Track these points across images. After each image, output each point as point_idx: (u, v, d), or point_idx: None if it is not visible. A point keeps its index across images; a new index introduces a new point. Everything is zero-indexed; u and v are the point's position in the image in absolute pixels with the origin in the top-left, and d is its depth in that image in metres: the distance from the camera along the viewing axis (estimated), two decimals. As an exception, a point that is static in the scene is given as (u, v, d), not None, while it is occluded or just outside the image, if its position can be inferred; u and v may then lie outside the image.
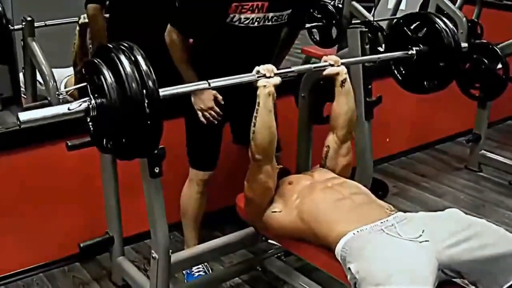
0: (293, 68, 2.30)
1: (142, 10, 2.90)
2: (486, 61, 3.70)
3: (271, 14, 2.41)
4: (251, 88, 2.58)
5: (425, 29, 2.59)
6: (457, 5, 4.86)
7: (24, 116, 1.70)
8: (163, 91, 1.88)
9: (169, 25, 2.43)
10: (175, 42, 2.43)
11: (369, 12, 4.65)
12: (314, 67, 2.40)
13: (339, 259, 2.02)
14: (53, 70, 3.08)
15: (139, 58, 1.77)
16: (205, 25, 2.39)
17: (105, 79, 1.73)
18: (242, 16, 2.35)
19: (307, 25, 4.47)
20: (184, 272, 2.86)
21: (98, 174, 2.65)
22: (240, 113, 2.61)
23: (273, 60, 2.72)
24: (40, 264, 2.92)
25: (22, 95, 3.38)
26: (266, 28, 2.44)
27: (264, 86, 2.15)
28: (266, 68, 2.17)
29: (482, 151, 4.20)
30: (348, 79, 2.39)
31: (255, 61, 2.55)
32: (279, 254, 2.84)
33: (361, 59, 2.56)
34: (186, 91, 2.06)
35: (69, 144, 2.36)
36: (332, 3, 4.49)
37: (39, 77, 3.20)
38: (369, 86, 2.79)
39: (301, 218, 2.19)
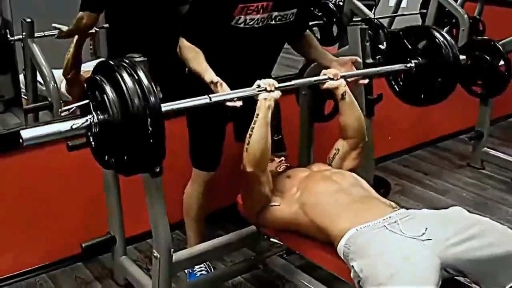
0: (293, 82, 2.34)
1: (143, 19, 2.88)
2: (488, 58, 3.70)
3: (275, 13, 2.39)
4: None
5: (425, 42, 2.59)
6: (458, 2, 4.85)
7: (26, 134, 1.70)
8: (165, 106, 1.88)
9: (180, 38, 2.41)
10: (184, 47, 2.40)
11: (370, 10, 4.65)
12: (314, 80, 2.41)
13: (341, 255, 2.02)
14: (54, 71, 3.08)
15: (141, 74, 1.76)
16: (210, 29, 2.37)
17: (107, 95, 1.73)
18: (248, 17, 2.33)
19: (308, 23, 4.46)
20: (186, 271, 2.86)
21: (100, 174, 2.65)
22: (243, 112, 2.61)
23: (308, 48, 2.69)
24: (42, 265, 2.93)
25: (23, 96, 3.38)
26: (269, 28, 2.42)
27: (265, 99, 2.16)
28: (267, 83, 2.18)
29: (485, 148, 4.20)
30: (348, 91, 2.39)
31: (260, 63, 2.55)
32: (281, 253, 2.85)
33: (361, 72, 2.56)
34: (188, 106, 2.04)
35: (70, 144, 2.36)
36: (333, 1, 4.48)
37: (39, 78, 3.20)
38: (370, 84, 2.79)
39: (304, 212, 2.19)
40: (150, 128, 1.73)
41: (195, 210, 2.76)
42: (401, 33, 2.65)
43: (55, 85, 3.11)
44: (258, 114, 2.17)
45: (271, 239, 2.77)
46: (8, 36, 3.10)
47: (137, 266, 2.77)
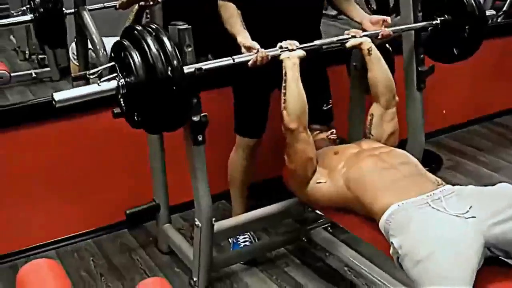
0: (315, 42, 2.37)
1: None
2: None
3: None
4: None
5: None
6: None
7: (58, 96, 1.81)
8: (188, 68, 1.95)
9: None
10: (220, 6, 2.40)
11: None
12: (337, 40, 2.44)
13: (383, 231, 1.98)
14: (104, 38, 3.11)
15: (165, 39, 1.85)
16: None
17: (133, 59, 1.82)
18: None
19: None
20: (230, 240, 2.87)
21: (145, 141, 2.67)
22: None
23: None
24: (88, 230, 2.99)
25: (75, 63, 3.43)
26: None
27: (288, 58, 2.23)
28: (289, 43, 2.27)
29: (543, 124, 4.05)
30: (374, 47, 2.43)
31: (299, 26, 2.50)
32: (325, 225, 2.82)
33: (384, 29, 2.51)
34: (210, 67, 2.08)
35: (115, 111, 2.38)
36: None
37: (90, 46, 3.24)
38: (421, 55, 2.71)
39: (348, 187, 2.17)
40: (174, 88, 1.83)
41: (239, 177, 2.75)
42: None
43: (105, 52, 3.14)
44: (285, 73, 2.23)
45: (317, 211, 2.74)
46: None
47: (180, 234, 2.80)
